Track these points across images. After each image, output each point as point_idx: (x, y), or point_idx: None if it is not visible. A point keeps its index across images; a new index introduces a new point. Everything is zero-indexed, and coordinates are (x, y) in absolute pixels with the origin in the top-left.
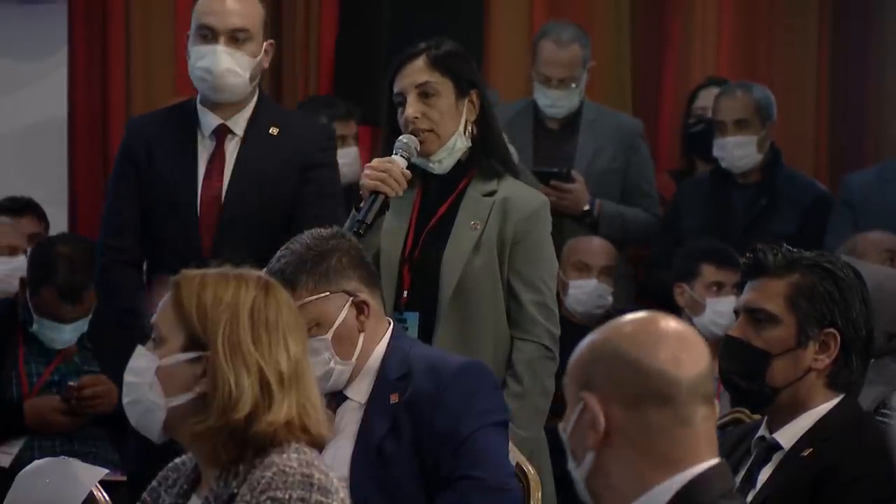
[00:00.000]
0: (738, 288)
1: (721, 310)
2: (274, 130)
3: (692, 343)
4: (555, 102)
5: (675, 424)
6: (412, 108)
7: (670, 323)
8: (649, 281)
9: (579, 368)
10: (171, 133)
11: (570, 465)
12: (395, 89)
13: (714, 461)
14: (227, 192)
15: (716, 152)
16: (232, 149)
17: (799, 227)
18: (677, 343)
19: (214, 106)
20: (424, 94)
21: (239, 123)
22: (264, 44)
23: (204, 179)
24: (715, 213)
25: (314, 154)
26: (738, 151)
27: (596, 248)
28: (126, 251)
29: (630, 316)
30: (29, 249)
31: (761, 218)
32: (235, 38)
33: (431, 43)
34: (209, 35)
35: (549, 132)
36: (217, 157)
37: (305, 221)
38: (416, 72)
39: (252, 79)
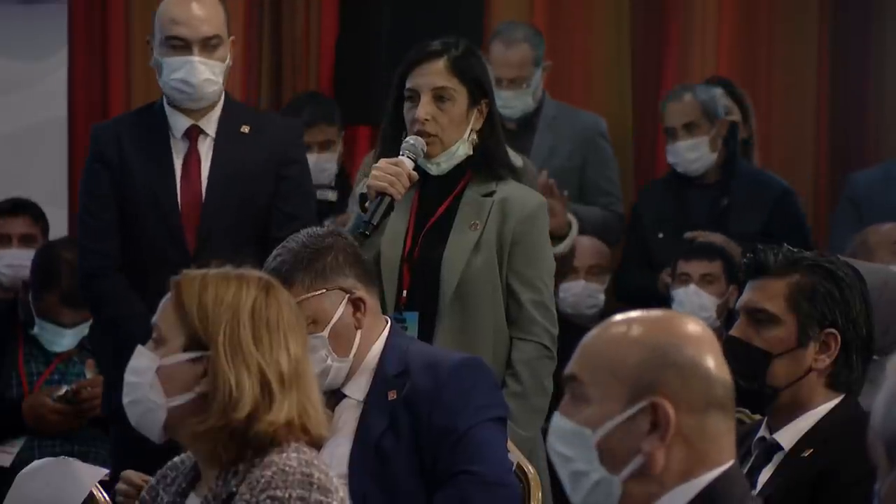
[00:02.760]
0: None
1: (681, 300)
2: (245, 129)
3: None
4: (506, 103)
5: (726, 430)
6: (424, 110)
7: (697, 324)
8: (622, 282)
9: (634, 369)
10: (142, 136)
11: (589, 465)
12: (409, 84)
13: (732, 461)
14: (206, 191)
15: (669, 159)
16: (206, 149)
17: (764, 224)
18: (718, 347)
19: (184, 108)
20: (439, 97)
21: (210, 124)
22: (228, 42)
23: (182, 180)
24: (674, 214)
25: (288, 150)
26: (690, 154)
27: (582, 248)
28: (111, 256)
29: (668, 315)
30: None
31: (723, 218)
32: (208, 45)
33: (449, 42)
34: (180, 45)
35: (508, 132)
36: (192, 157)
37: (280, 219)
38: (436, 74)
39: (224, 81)
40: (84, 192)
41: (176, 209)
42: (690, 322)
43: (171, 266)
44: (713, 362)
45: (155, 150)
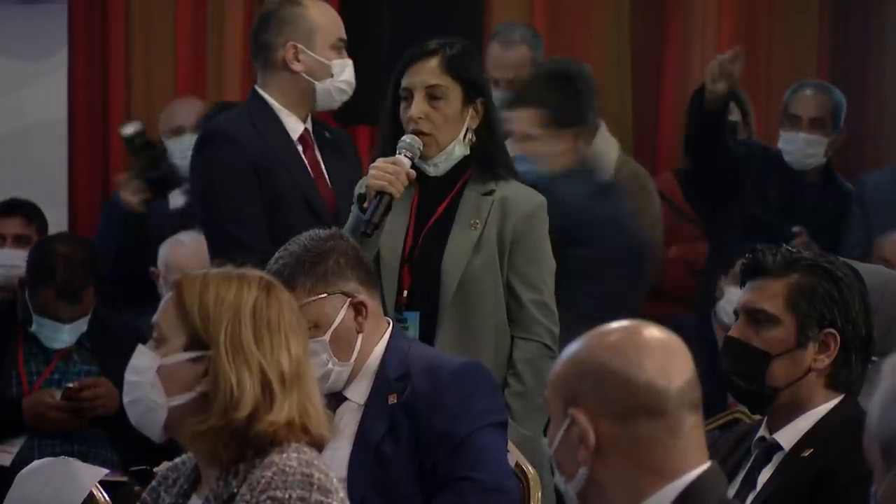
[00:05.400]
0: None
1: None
2: (327, 134)
3: (677, 352)
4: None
5: (666, 435)
6: (417, 108)
7: (654, 332)
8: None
9: (563, 383)
10: (274, 139)
11: (557, 478)
12: (403, 84)
13: (706, 465)
14: (336, 194)
15: (781, 145)
16: (316, 152)
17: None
18: (662, 353)
19: (294, 110)
20: (432, 96)
21: (308, 128)
22: None
23: (316, 183)
24: (787, 197)
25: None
26: (809, 149)
27: None
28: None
29: (613, 325)
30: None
31: (834, 219)
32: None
33: (445, 42)
34: (342, 47)
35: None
36: (313, 161)
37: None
38: (428, 72)
39: None
40: (234, 196)
41: (327, 214)
42: (638, 330)
43: None
44: (642, 367)
45: (290, 155)
